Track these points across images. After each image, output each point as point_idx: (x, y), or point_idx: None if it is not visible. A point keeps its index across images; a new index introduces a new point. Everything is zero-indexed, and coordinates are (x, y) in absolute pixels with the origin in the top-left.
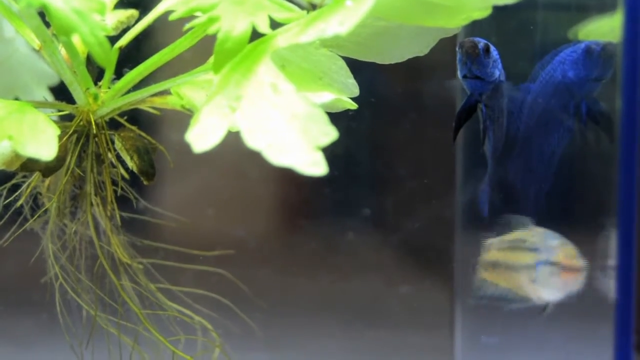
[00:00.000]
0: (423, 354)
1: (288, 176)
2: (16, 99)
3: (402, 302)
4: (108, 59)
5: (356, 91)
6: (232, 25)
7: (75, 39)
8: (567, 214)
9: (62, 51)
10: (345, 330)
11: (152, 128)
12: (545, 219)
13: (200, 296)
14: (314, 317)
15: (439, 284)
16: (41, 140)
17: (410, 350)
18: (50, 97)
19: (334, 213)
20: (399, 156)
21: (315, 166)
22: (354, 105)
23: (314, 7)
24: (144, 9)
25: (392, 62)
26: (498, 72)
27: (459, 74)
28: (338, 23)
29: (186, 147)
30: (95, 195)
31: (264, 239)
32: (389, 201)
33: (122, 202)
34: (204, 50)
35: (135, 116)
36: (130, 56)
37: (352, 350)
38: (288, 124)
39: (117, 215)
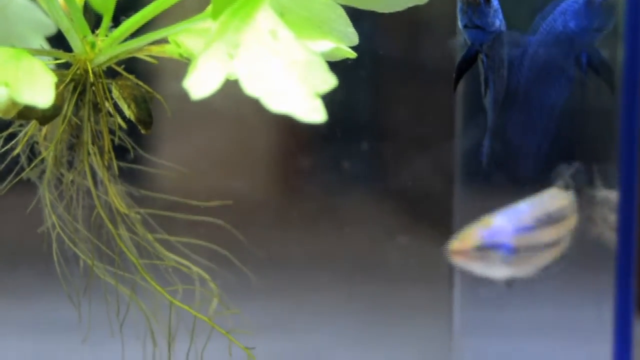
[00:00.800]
0: (421, 307)
1: (287, 126)
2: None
3: (400, 255)
4: (106, 5)
5: (355, 40)
6: None
7: None
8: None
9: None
10: (343, 282)
11: (149, 78)
12: (545, 173)
13: (198, 247)
14: (311, 268)
15: (438, 236)
16: (38, 87)
17: (408, 303)
18: (46, 46)
19: (332, 163)
20: (397, 107)
21: (315, 113)
22: (353, 54)
23: None
24: None
25: (392, 10)
26: (499, 22)
27: (459, 23)
28: None
29: (184, 97)
30: (93, 144)
31: (262, 189)
32: (388, 152)
33: (120, 151)
34: None
35: (132, 66)
36: (128, 4)
37: (350, 302)
38: (287, 70)
39: (115, 165)
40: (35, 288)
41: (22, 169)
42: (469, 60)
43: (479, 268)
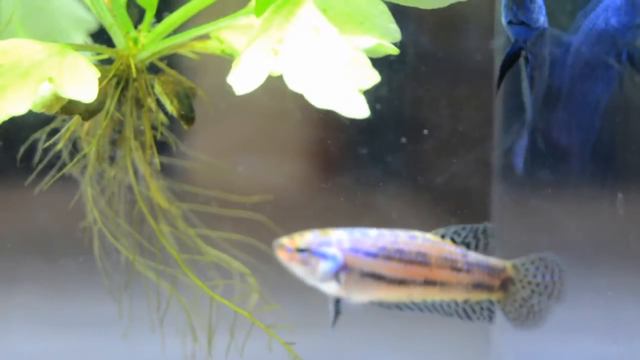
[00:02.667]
0: None
1: (327, 121)
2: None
3: None
4: (151, 1)
5: (398, 36)
6: None
7: None
8: (611, 165)
9: None
10: None
11: (188, 74)
12: (590, 171)
13: (238, 242)
14: None
15: None
16: (82, 82)
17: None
18: (88, 42)
19: (372, 158)
20: (436, 105)
21: (358, 109)
22: (395, 51)
23: None
24: None
25: (435, 6)
26: (543, 19)
27: (503, 19)
28: None
29: (225, 93)
30: (135, 139)
31: (302, 184)
32: (427, 148)
33: (161, 147)
34: None
35: (172, 62)
36: (167, 0)
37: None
38: (331, 67)
39: (157, 160)
40: (76, 283)
41: (64, 164)
42: (513, 58)
43: (299, 271)
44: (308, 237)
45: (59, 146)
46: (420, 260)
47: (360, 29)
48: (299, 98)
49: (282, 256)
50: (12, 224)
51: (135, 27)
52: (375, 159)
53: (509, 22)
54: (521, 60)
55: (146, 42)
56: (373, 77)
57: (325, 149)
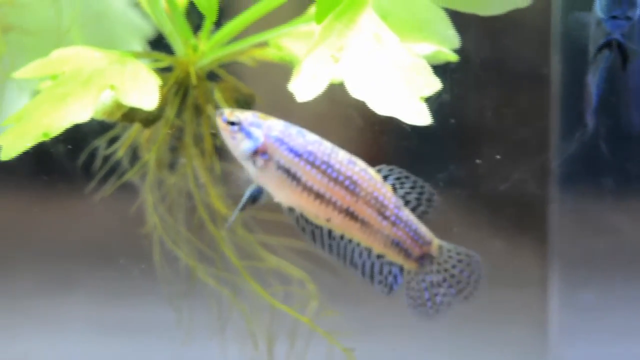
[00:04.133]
0: (515, 312)
1: (384, 128)
2: None
3: (494, 259)
4: (212, 8)
5: (457, 43)
6: None
7: None
8: None
9: (162, 2)
10: None
11: (246, 80)
12: None
13: (297, 248)
14: None
15: (532, 241)
16: (143, 90)
17: (501, 308)
18: (145, 49)
19: (428, 165)
20: (493, 111)
21: (420, 116)
22: (454, 57)
23: None
24: None
25: (494, 13)
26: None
27: (602, 13)
28: None
29: (282, 99)
30: (195, 146)
31: None
32: (484, 156)
33: (221, 153)
34: (296, 1)
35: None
36: (225, 7)
37: None
38: (392, 74)
39: (217, 167)
40: (136, 289)
41: (122, 171)
42: (603, 49)
43: (227, 142)
44: (245, 114)
45: (120, 153)
46: (348, 185)
47: (420, 35)
48: (360, 105)
49: (219, 123)
50: (73, 230)
51: (194, 34)
52: (433, 166)
53: (613, 17)
54: (599, 56)
55: (206, 50)
56: (434, 84)
57: (382, 155)
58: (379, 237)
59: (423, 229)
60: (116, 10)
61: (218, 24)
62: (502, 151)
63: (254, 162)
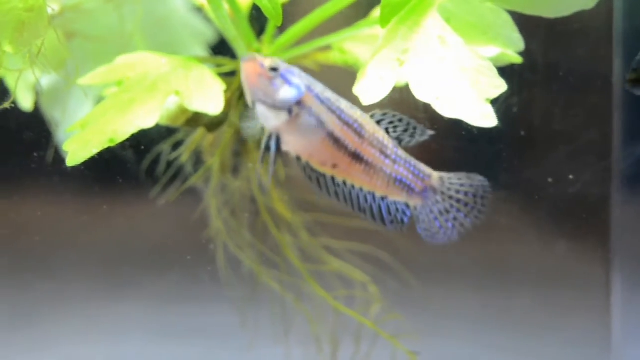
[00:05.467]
0: (578, 314)
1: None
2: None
3: (557, 261)
4: (277, 12)
5: (521, 45)
6: None
7: None
8: None
9: (226, 7)
10: (499, 290)
11: None
12: None
13: (359, 251)
14: (469, 271)
15: (595, 243)
16: (208, 95)
17: (564, 310)
18: (205, 54)
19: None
20: (554, 116)
21: (486, 119)
22: (519, 60)
23: None
24: None
25: (559, 15)
26: None
27: None
28: None
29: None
30: (258, 151)
31: None
32: (545, 160)
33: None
34: (357, 5)
35: None
36: (287, 12)
37: (505, 310)
38: (457, 76)
39: (281, 172)
40: (200, 293)
41: (187, 175)
42: None
43: (262, 87)
44: (275, 60)
45: (184, 158)
46: (356, 128)
47: (484, 38)
48: (426, 107)
49: (251, 68)
50: (138, 234)
51: (257, 38)
52: (497, 167)
53: None
54: None
55: (269, 53)
56: (500, 86)
57: (442, 159)
58: (382, 177)
59: (421, 165)
60: (179, 15)
61: (281, 28)
62: (566, 153)
63: (290, 111)
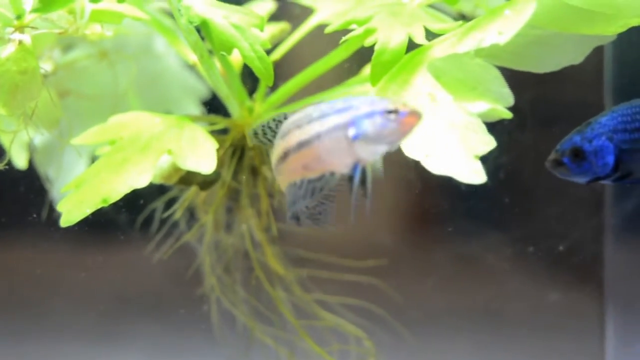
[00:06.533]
0: None
1: (436, 184)
2: (167, 112)
3: (551, 309)
4: (268, 73)
5: (511, 100)
6: (389, 37)
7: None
8: None
9: (218, 66)
10: (493, 338)
11: None
12: None
13: (353, 305)
14: (464, 324)
15: (588, 290)
16: (201, 154)
17: (559, 358)
18: (198, 112)
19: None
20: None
21: (475, 175)
22: (509, 115)
23: (462, 17)
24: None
25: (547, 70)
26: None
27: None
28: (497, 33)
29: None
30: (251, 207)
31: (416, 248)
32: (537, 208)
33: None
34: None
35: None
36: (279, 69)
37: (502, 358)
38: (447, 133)
39: (273, 227)
40: (195, 350)
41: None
42: None
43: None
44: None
45: (177, 215)
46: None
47: (473, 94)
48: (416, 164)
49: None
50: (132, 287)
51: (250, 96)
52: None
53: None
54: None
55: (261, 112)
56: (489, 143)
57: (433, 211)
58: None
59: None
60: (172, 72)
61: (273, 85)
62: (558, 208)
63: None
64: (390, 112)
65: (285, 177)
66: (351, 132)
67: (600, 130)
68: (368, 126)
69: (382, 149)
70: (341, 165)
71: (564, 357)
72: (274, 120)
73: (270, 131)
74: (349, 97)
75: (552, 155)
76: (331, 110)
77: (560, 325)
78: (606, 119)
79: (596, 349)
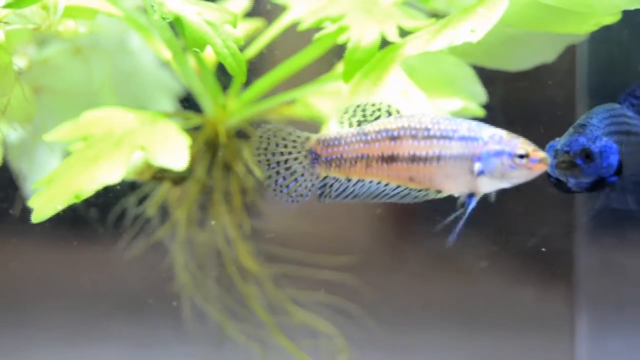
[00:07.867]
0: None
1: None
2: (142, 109)
3: (522, 305)
4: (241, 70)
5: (484, 98)
6: (362, 34)
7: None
8: None
9: (192, 63)
10: (464, 335)
11: None
12: None
13: (325, 303)
14: (435, 321)
15: (559, 287)
16: (173, 150)
17: (529, 355)
18: (173, 108)
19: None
20: None
21: None
22: (481, 112)
23: (435, 15)
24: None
25: (520, 68)
26: None
27: None
28: (469, 30)
29: None
30: (224, 204)
31: (390, 246)
32: (508, 206)
33: (250, 210)
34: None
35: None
36: (254, 66)
37: (471, 355)
38: None
39: (247, 224)
40: (165, 345)
41: (153, 230)
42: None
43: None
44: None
45: (150, 211)
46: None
47: (447, 91)
48: None
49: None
50: (105, 287)
51: (223, 92)
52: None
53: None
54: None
55: (235, 108)
56: None
57: (406, 209)
58: None
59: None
60: (146, 70)
61: (247, 82)
62: (529, 205)
63: None
64: (521, 156)
65: (383, 177)
66: (477, 167)
67: (598, 131)
68: (496, 166)
69: (503, 185)
70: (455, 191)
71: (535, 352)
72: (373, 105)
73: (361, 113)
74: (473, 123)
75: (563, 157)
76: (454, 134)
77: (531, 321)
78: (596, 121)
79: (567, 344)
